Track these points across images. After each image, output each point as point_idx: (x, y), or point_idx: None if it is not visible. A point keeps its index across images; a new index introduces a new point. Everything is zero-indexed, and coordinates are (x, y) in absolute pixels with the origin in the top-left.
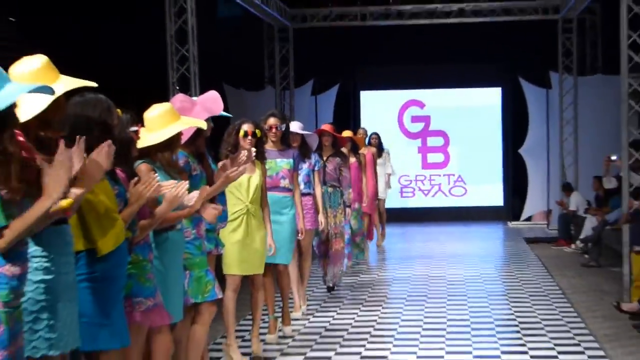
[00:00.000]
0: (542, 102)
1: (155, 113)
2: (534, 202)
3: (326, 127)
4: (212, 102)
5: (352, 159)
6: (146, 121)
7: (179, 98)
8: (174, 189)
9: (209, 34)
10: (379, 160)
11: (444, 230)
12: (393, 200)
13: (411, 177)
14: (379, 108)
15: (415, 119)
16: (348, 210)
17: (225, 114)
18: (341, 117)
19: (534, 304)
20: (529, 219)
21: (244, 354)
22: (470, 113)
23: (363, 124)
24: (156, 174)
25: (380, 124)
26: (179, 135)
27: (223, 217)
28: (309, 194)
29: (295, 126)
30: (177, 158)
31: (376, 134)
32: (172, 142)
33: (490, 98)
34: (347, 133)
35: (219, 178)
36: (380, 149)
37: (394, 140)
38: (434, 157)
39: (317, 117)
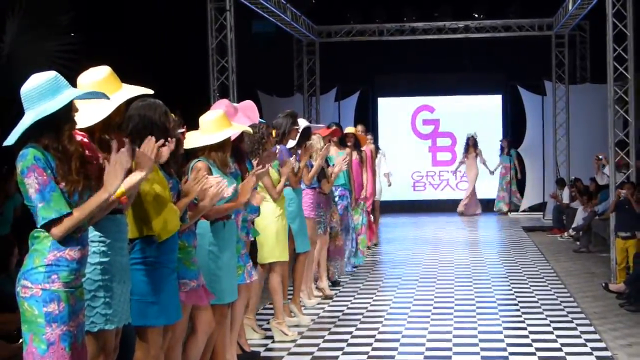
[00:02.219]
0: (537, 107)
1: (211, 117)
2: (532, 195)
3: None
4: (251, 110)
5: (355, 156)
6: (202, 124)
7: (225, 103)
8: (215, 186)
9: (246, 47)
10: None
11: (451, 219)
12: (407, 193)
13: (422, 173)
14: (394, 112)
15: (426, 122)
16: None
17: (262, 120)
18: (361, 120)
19: (532, 285)
20: (527, 210)
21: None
22: (475, 117)
23: (380, 126)
24: (210, 173)
25: (395, 126)
26: (230, 138)
27: (254, 209)
28: (314, 187)
29: (302, 122)
30: (229, 157)
31: (370, 133)
32: (225, 144)
33: (492, 104)
34: (349, 129)
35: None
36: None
37: (407, 140)
38: (443, 156)
39: (340, 120)
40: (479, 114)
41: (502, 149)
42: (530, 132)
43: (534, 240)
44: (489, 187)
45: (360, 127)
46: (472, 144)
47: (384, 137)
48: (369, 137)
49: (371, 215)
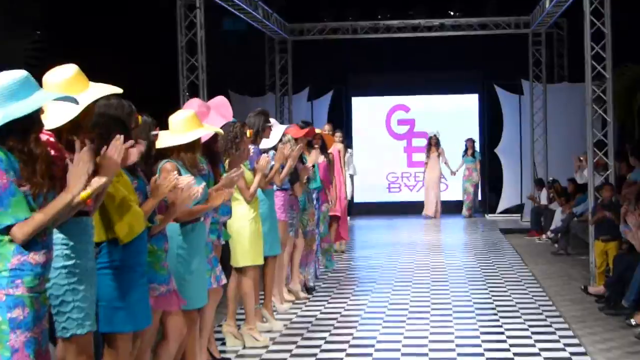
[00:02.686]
0: (515, 106)
1: (181, 117)
2: (509, 197)
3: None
4: (224, 108)
5: (321, 158)
6: (171, 124)
7: (197, 103)
8: (186, 189)
9: (216, 45)
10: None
11: (427, 222)
12: (382, 194)
13: (397, 174)
14: (368, 112)
15: (401, 122)
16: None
17: (234, 120)
18: (334, 120)
19: (509, 288)
20: (504, 211)
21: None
22: (451, 117)
23: (354, 126)
24: (176, 173)
25: (369, 126)
26: (200, 138)
27: (226, 211)
28: (285, 189)
29: (273, 122)
30: (199, 158)
31: (341, 131)
32: (194, 145)
33: (468, 103)
34: (317, 130)
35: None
36: (344, 148)
37: (382, 140)
38: (418, 156)
39: (313, 120)
40: (455, 113)
41: (465, 150)
42: (508, 132)
43: (511, 243)
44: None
45: (327, 127)
46: (433, 144)
47: (358, 137)
48: (338, 134)
49: (344, 218)
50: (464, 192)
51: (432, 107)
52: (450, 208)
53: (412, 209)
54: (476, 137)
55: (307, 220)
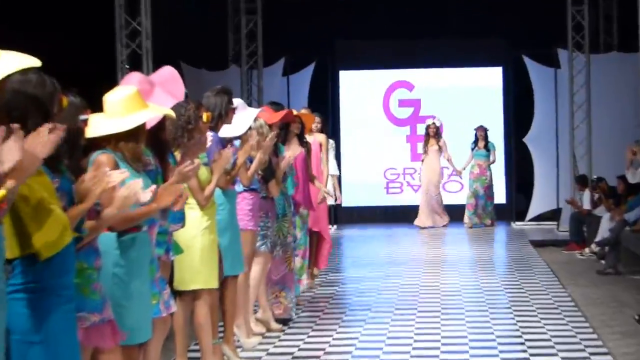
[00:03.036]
0: (549, 83)
1: (119, 97)
2: (542, 200)
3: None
4: (173, 83)
5: (299, 149)
6: (108, 105)
7: (136, 78)
8: (125, 187)
9: (164, 5)
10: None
11: (437, 232)
12: (378, 196)
13: (399, 171)
14: (361, 90)
15: (403, 103)
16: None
17: (186, 100)
18: (317, 100)
19: (542, 318)
20: (535, 218)
21: None
22: (467, 96)
23: (343, 108)
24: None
25: (362, 108)
26: (144, 124)
27: (178, 218)
28: (254, 190)
29: (238, 103)
30: (143, 150)
31: (321, 116)
32: (138, 132)
33: (489, 79)
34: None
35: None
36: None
37: (379, 127)
38: None
39: (289, 101)
40: (473, 92)
41: (475, 141)
42: (540, 117)
43: (545, 259)
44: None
45: (304, 110)
46: (432, 134)
47: (347, 122)
48: (317, 120)
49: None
50: (472, 195)
51: (443, 84)
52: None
53: (417, 215)
54: (499, 122)
55: (286, 229)
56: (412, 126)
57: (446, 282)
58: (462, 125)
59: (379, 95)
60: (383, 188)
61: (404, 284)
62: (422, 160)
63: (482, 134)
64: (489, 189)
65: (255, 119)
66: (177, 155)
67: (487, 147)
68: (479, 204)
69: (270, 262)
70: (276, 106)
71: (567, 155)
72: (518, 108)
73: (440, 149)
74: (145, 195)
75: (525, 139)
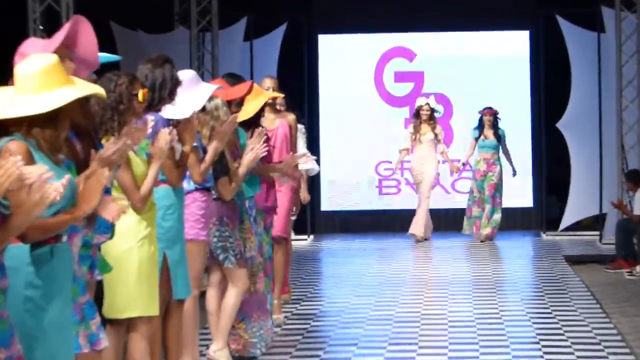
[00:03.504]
0: (590, 52)
1: (34, 68)
2: (580, 203)
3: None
4: (85, 47)
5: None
6: (19, 79)
7: (35, 43)
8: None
9: None
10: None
11: (443, 245)
12: (368, 198)
13: (394, 165)
14: (346, 59)
15: (401, 77)
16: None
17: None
18: (289, 71)
19: (579, 356)
20: (572, 227)
21: None
22: (484, 69)
23: (323, 80)
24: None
25: (348, 82)
26: (71, 103)
27: (105, 227)
28: (208, 189)
29: (187, 76)
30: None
31: (285, 96)
32: (58, 115)
33: (513, 46)
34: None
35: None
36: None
37: (369, 108)
38: None
39: (252, 72)
40: (492, 63)
41: (480, 127)
42: (578, 94)
43: (583, 279)
44: (508, 189)
45: (268, 81)
46: (424, 119)
47: (328, 101)
48: (278, 102)
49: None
50: (475, 198)
51: (453, 52)
52: (505, 220)
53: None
54: (525, 103)
55: (246, 239)
56: (412, 107)
57: (456, 309)
58: (476, 106)
59: (369, 66)
60: (374, 187)
61: (400, 313)
62: (406, 150)
63: (489, 118)
64: (495, 189)
65: (211, 98)
66: (106, 144)
67: (497, 135)
68: (479, 210)
69: (247, 280)
70: (234, 79)
71: (613, 145)
72: (550, 84)
73: (436, 137)
74: (61, 193)
75: (560, 124)
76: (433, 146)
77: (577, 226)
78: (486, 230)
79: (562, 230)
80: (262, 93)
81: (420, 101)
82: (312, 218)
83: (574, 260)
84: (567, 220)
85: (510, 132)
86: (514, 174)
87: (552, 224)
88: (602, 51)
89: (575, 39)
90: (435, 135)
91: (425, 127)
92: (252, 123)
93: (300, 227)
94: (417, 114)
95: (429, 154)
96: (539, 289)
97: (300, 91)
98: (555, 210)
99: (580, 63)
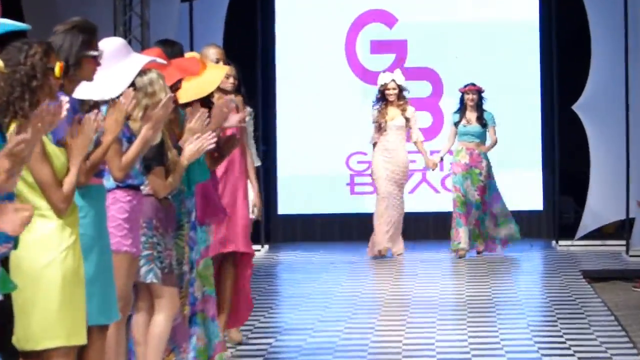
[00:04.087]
0: (615, 18)
1: None
2: (602, 205)
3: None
4: None
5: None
6: None
7: None
8: None
9: None
10: None
11: (432, 257)
12: (338, 198)
13: (370, 157)
14: (309, 25)
15: (378, 47)
16: None
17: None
18: (238, 39)
19: None
20: (592, 235)
21: None
22: (482, 38)
23: (280, 52)
24: None
25: (312, 54)
26: None
27: (6, 237)
28: (135, 187)
29: (111, 45)
30: None
31: (230, 65)
32: None
33: (519, 10)
34: (190, 55)
35: None
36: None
37: (339, 85)
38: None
39: (192, 39)
40: (492, 31)
41: (461, 110)
42: (600, 72)
43: (606, 301)
44: (512, 187)
45: (212, 50)
46: (393, 99)
47: (287, 77)
48: (233, 78)
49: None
50: (460, 200)
51: (442, 17)
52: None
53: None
54: (534, 81)
55: (182, 248)
56: None
57: (446, 338)
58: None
59: (339, 33)
60: (345, 185)
61: (377, 342)
62: (374, 145)
63: (472, 97)
64: (485, 190)
65: (144, 72)
66: (9, 134)
67: (482, 120)
68: (471, 215)
69: (178, 301)
70: (171, 47)
71: None
72: (564, 57)
73: (408, 122)
74: None
75: (576, 107)
76: (403, 134)
77: (598, 234)
78: (478, 245)
79: (580, 239)
80: (216, 66)
81: (383, 78)
82: (266, 224)
83: (595, 277)
84: (585, 226)
85: (515, 117)
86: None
87: (567, 230)
88: (629, 17)
89: (596, 2)
90: (407, 120)
91: (392, 111)
92: (204, 106)
93: (251, 235)
94: (381, 96)
95: (397, 144)
96: (550, 312)
97: (251, 65)
98: (570, 214)
99: (602, 30)
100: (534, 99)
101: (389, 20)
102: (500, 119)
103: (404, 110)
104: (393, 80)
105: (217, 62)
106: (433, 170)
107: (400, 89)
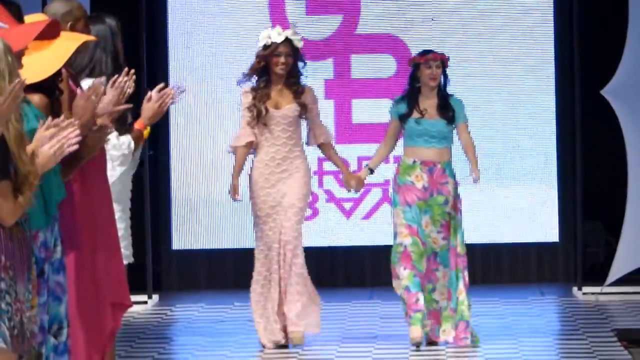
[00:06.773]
0: None
1: None
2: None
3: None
4: None
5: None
6: None
7: None
8: None
9: None
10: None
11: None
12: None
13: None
14: None
15: (315, 6)
16: None
17: None
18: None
19: None
20: (628, 278)
21: None
22: (484, 20)
23: (173, 23)
24: None
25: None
26: None
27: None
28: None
29: None
30: None
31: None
32: None
33: None
34: (37, 17)
35: None
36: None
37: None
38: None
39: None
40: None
41: (410, 93)
42: (633, 51)
43: None
44: (522, 209)
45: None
46: (280, 74)
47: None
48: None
49: None
50: (418, 257)
51: None
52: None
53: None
54: (549, 68)
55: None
56: (335, 64)
57: None
58: (462, 64)
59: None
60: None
61: None
62: (238, 150)
63: (433, 73)
64: (450, 230)
65: None
66: None
67: (448, 111)
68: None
69: None
70: (12, 7)
71: None
72: (586, 38)
73: (305, 113)
74: None
75: (605, 91)
76: (297, 131)
77: (637, 277)
78: (445, 332)
79: (612, 284)
80: (71, 36)
81: (268, 35)
82: (154, 265)
83: (632, 339)
84: (620, 266)
85: (521, 111)
86: (476, 179)
87: (594, 273)
88: None
89: None
90: (303, 107)
91: (280, 93)
92: (49, 89)
93: (134, 283)
94: (262, 67)
95: (289, 148)
96: None
97: (133, 43)
98: (599, 248)
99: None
100: (546, 86)
101: None
102: (490, 109)
103: (298, 94)
104: (287, 40)
105: (74, 24)
106: (356, 192)
107: (298, 54)
